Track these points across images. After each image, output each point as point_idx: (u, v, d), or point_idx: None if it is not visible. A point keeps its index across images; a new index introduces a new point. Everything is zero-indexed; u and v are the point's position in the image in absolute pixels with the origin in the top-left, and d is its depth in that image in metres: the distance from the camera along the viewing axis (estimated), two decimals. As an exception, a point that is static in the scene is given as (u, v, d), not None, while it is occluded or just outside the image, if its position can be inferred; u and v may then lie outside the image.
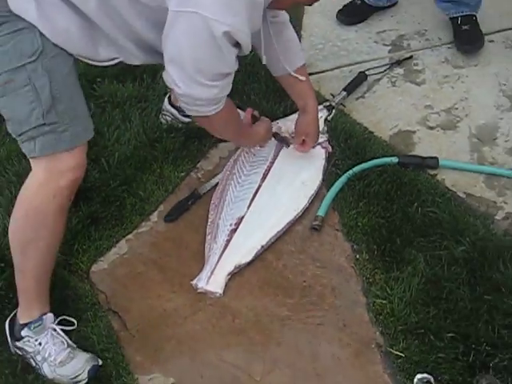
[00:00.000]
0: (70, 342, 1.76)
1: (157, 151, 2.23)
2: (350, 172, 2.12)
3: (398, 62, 2.57)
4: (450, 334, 1.72)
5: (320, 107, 2.30)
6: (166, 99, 2.33)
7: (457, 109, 2.40)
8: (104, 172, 2.18)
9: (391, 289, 1.85)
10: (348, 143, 2.22)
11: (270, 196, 2.08)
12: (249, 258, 1.94)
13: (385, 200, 2.04)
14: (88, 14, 1.56)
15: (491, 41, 2.64)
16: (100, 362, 1.73)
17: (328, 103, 2.35)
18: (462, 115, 2.37)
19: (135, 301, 1.91)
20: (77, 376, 1.70)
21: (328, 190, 2.10)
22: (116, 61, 1.70)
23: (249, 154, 2.18)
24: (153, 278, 1.95)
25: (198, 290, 1.89)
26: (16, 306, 1.77)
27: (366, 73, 2.51)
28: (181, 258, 1.99)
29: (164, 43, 1.58)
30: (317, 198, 2.11)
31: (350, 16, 2.78)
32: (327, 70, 2.60)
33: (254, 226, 2.00)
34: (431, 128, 2.34)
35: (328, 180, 2.15)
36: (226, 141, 2.29)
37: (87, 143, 1.69)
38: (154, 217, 2.12)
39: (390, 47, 2.68)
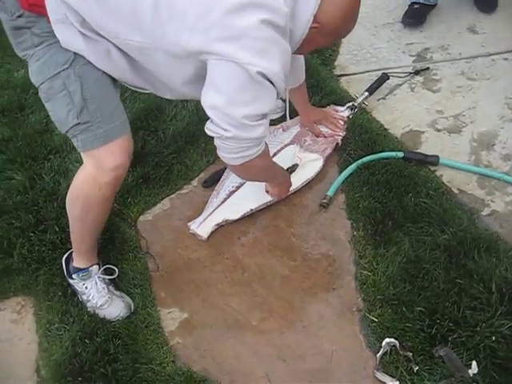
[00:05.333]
0: (110, 288, 1.75)
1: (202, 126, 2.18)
2: (359, 162, 2.01)
3: (416, 72, 2.40)
4: (419, 308, 1.61)
5: (342, 108, 2.20)
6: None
7: (464, 116, 2.22)
8: (160, 142, 2.17)
9: (377, 263, 1.75)
10: (362, 137, 2.10)
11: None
12: (237, 216, 1.90)
13: (384, 188, 1.93)
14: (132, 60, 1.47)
15: (505, 59, 2.42)
16: (132, 309, 1.72)
17: (351, 103, 2.23)
18: (468, 122, 2.20)
19: (169, 248, 1.89)
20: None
21: (339, 174, 2.01)
22: (148, 91, 1.61)
23: (270, 134, 2.12)
24: (185, 231, 1.92)
25: (190, 231, 1.89)
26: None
27: (388, 75, 2.35)
28: (210, 217, 1.95)
29: (204, 92, 1.40)
30: (328, 179, 2.02)
31: (413, 18, 2.62)
32: (358, 73, 2.47)
33: (249, 191, 1.94)
34: (438, 130, 2.18)
35: (341, 166, 2.06)
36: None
37: (131, 144, 1.57)
38: (195, 182, 2.08)
39: (414, 57, 2.51)
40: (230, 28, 1.30)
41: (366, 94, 2.28)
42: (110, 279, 1.77)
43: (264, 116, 1.44)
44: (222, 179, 2.00)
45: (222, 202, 1.94)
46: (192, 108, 2.25)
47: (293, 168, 2.00)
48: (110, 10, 1.37)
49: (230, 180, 1.99)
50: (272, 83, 1.37)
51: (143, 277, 1.81)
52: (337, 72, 2.49)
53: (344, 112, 2.19)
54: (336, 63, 2.54)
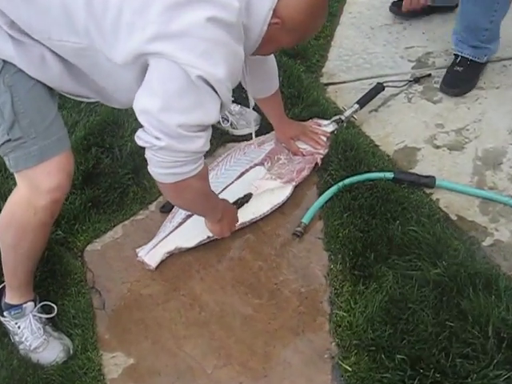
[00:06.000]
0: (47, 328, 1.74)
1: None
2: (341, 183, 2.00)
3: (416, 80, 2.40)
4: (400, 356, 1.57)
5: (327, 122, 2.20)
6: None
7: (468, 130, 2.21)
8: (115, 160, 2.17)
9: (355, 302, 1.73)
10: (346, 154, 2.09)
11: (233, 193, 1.99)
12: (191, 244, 1.90)
13: (368, 214, 1.91)
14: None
15: (518, 66, 2.42)
16: (71, 352, 1.71)
17: (337, 117, 2.22)
18: (472, 137, 2.18)
19: (117, 282, 1.89)
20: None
21: (318, 198, 2.00)
22: (93, 100, 1.61)
23: (240, 151, 2.13)
24: (137, 264, 1.92)
25: (137, 258, 1.90)
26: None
27: (384, 85, 2.35)
28: (167, 248, 1.95)
29: (137, 95, 1.39)
30: (305, 204, 2.01)
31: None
32: (348, 81, 2.48)
33: None
34: (437, 147, 2.17)
35: (321, 188, 2.05)
36: (234, 140, 2.24)
37: (71, 162, 1.56)
38: (152, 206, 2.09)
39: (414, 63, 2.51)
40: (171, 26, 1.30)
41: (356, 106, 2.27)
42: (47, 318, 1.76)
43: (204, 128, 1.43)
44: None
45: (177, 227, 1.93)
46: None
47: (244, 199, 1.98)
48: (38, 7, 1.38)
49: None
50: (215, 91, 1.36)
51: (86, 315, 1.80)
52: (324, 80, 2.50)
53: (328, 126, 2.18)
54: (323, 70, 2.55)
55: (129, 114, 2.28)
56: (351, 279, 1.78)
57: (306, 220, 1.94)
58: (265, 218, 1.98)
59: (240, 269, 1.88)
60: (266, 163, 2.07)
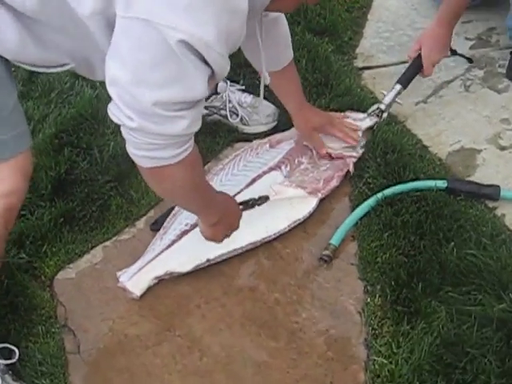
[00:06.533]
0: (7, 378, 1.74)
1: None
2: (380, 194, 2.02)
3: (471, 61, 2.42)
4: (456, 416, 1.59)
5: (363, 115, 2.22)
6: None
7: (543, 126, 2.23)
8: (95, 164, 2.21)
9: (397, 346, 1.74)
10: (387, 158, 2.12)
11: None
12: (186, 269, 1.92)
13: (414, 234, 1.93)
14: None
15: None
16: None
17: (376, 106, 2.25)
18: (549, 135, 2.21)
19: (96, 320, 1.90)
20: None
21: (350, 213, 2.03)
22: (68, 67, 1.61)
23: (251, 152, 2.16)
24: (121, 296, 1.94)
25: (118, 284, 1.92)
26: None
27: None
28: (159, 277, 1.98)
29: (107, 59, 1.37)
30: (334, 220, 2.04)
31: None
32: (389, 65, 2.51)
33: None
34: (503, 148, 2.20)
35: (355, 200, 2.08)
36: (244, 140, 2.26)
37: (30, 163, 1.61)
38: (141, 223, 2.12)
39: (473, 42, 2.54)
40: None
41: (399, 87, 2.28)
42: (6, 365, 1.77)
43: (188, 105, 1.39)
44: (173, 213, 2.04)
45: (169, 246, 1.96)
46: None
47: (257, 201, 2.01)
48: None
49: (183, 215, 2.01)
50: (204, 58, 1.32)
51: (56, 361, 1.81)
52: (358, 63, 2.53)
53: (364, 121, 2.20)
54: (358, 51, 2.58)
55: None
56: (393, 316, 1.79)
57: (335, 241, 1.96)
58: (282, 237, 2.00)
59: (251, 303, 1.90)
60: (283, 167, 2.09)
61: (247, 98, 2.28)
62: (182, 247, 1.96)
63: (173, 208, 2.07)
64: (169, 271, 1.92)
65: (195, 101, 1.39)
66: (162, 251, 1.96)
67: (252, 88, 2.26)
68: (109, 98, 1.39)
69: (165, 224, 2.02)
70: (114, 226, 2.10)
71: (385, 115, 2.24)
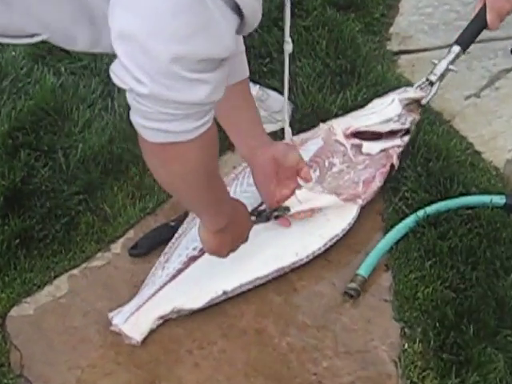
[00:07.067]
0: None
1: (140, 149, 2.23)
2: (421, 213, 2.04)
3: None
4: None
5: (411, 88, 2.29)
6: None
7: None
8: (59, 171, 2.22)
9: (444, 405, 1.76)
10: (429, 167, 2.14)
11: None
12: (198, 304, 1.93)
13: (464, 262, 1.95)
14: None
15: None
16: None
17: (425, 79, 2.29)
18: None
19: (60, 368, 1.91)
20: None
21: (383, 236, 2.05)
22: (37, 38, 1.59)
23: None
24: (93, 339, 1.95)
25: (111, 328, 1.92)
26: None
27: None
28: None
29: (111, 8, 1.37)
30: (362, 245, 2.06)
31: None
32: (431, 49, 2.54)
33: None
34: None
35: (388, 219, 2.10)
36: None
37: None
38: (117, 246, 2.13)
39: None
40: None
41: (457, 49, 2.29)
42: None
43: (212, 65, 1.40)
44: (176, 237, 2.05)
45: (173, 277, 1.97)
46: (121, 110, 2.30)
47: (274, 212, 2.02)
48: None
49: (188, 238, 2.03)
50: (236, 4, 1.35)
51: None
52: (393, 46, 2.57)
53: (411, 92, 2.25)
54: (392, 30, 2.62)
55: (82, 96, 2.33)
56: (438, 367, 1.81)
57: (364, 271, 1.98)
58: (300, 266, 2.02)
59: (258, 348, 1.91)
60: (311, 173, 2.10)
61: (252, 90, 2.29)
62: (191, 277, 1.97)
63: (159, 228, 2.09)
64: (176, 308, 1.92)
65: (220, 58, 1.40)
66: (165, 284, 1.96)
67: (258, 76, 2.27)
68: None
69: (165, 249, 2.03)
70: (83, 249, 2.11)
71: (435, 89, 2.27)
